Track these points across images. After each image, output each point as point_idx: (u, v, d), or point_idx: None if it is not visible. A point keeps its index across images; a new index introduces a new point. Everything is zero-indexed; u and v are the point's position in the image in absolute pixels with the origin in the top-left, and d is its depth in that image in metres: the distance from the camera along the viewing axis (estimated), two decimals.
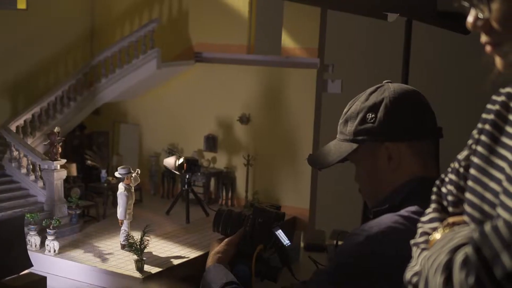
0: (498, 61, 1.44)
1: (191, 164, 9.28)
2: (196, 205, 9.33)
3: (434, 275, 1.45)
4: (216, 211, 4.42)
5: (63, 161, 8.25)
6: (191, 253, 6.43)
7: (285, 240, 4.08)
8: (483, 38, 1.46)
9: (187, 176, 8.56)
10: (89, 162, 10.56)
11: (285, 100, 11.29)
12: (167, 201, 10.56)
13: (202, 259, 3.52)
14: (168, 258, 6.31)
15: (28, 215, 7.26)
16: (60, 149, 8.44)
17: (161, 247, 6.98)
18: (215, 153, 13.26)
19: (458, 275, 1.34)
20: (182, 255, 6.35)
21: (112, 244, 7.16)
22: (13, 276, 5.08)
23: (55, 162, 8.20)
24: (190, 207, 9.04)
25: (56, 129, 8.65)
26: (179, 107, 13.55)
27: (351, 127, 3.26)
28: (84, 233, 8.09)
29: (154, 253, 6.62)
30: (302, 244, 8.11)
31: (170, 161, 9.46)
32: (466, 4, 1.49)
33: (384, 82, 3.27)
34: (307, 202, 9.79)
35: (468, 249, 1.35)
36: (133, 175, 6.90)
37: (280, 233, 4.07)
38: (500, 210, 1.46)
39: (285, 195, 11.51)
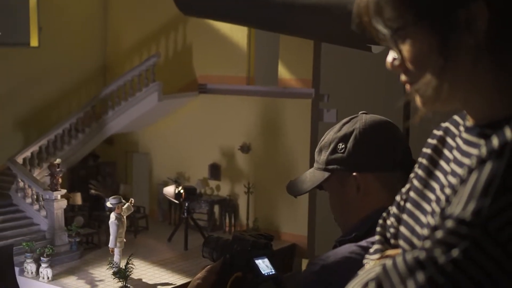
0: (417, 99, 1.46)
1: (189, 193, 9.35)
2: (198, 232, 9.37)
3: None
4: (205, 238, 4.43)
5: (63, 191, 8.37)
6: (180, 280, 6.45)
7: (265, 270, 4.01)
8: (402, 78, 1.49)
9: (186, 204, 8.62)
10: (92, 191, 10.67)
11: (283, 129, 11.31)
12: (174, 228, 10.59)
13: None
14: (156, 285, 6.33)
15: (24, 244, 7.36)
16: (60, 180, 8.55)
17: (152, 274, 7.02)
18: (219, 181, 13.30)
19: None
20: (170, 282, 6.37)
21: (106, 271, 7.21)
22: None
23: (55, 193, 8.31)
24: (192, 234, 9.08)
25: (57, 161, 8.77)
26: (185, 137, 13.65)
27: (324, 156, 3.28)
28: (83, 260, 8.16)
29: (144, 279, 6.66)
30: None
31: (169, 190, 9.54)
32: (385, 45, 1.52)
33: (359, 113, 3.30)
34: (305, 229, 9.78)
35: (371, 284, 1.35)
36: (126, 204, 6.97)
37: (260, 262, 4.01)
38: (423, 243, 1.47)
39: (284, 222, 11.44)
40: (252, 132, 10.98)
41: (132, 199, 7.56)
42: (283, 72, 10.16)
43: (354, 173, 3.13)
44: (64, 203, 8.16)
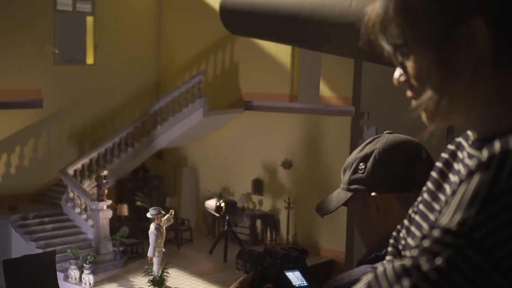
0: (422, 114, 1.44)
1: (229, 207, 9.49)
2: (239, 245, 9.47)
3: None
4: (239, 250, 4.53)
5: (109, 201, 8.61)
6: None
7: (296, 282, 4.08)
8: (408, 93, 1.48)
9: (226, 217, 8.75)
10: (138, 203, 10.90)
11: (324, 146, 11.38)
12: (220, 241, 10.69)
13: None
14: None
15: (69, 250, 7.62)
16: (106, 191, 8.80)
17: (189, 284, 7.15)
18: (261, 196, 13.45)
19: None
20: None
21: (145, 279, 7.36)
22: None
23: (101, 203, 8.56)
24: (233, 247, 9.20)
25: (104, 173, 9.04)
26: (231, 152, 13.84)
27: (347, 176, 3.30)
28: (126, 268, 8.34)
29: None
30: None
31: (211, 203, 9.70)
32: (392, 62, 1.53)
33: (384, 132, 3.32)
34: (344, 245, 9.78)
35: None
36: (166, 216, 7.14)
37: (291, 275, 4.07)
38: (412, 251, 1.45)
39: (323, 237, 11.49)
40: (294, 148, 11.07)
41: (172, 210, 7.72)
42: (324, 90, 10.24)
43: (373, 194, 3.10)
44: (109, 213, 8.40)
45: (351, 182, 3.28)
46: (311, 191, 10.11)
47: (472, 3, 1.23)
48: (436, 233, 1.16)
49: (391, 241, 1.94)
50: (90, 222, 9.52)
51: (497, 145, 1.20)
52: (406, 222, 1.80)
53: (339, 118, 9.61)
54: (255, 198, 11.83)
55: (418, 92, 1.35)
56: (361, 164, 3.21)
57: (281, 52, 11.16)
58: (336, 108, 9.61)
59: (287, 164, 10.82)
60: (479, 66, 1.24)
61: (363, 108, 9.69)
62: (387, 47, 1.39)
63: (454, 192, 1.21)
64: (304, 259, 4.26)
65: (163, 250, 7.50)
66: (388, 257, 1.88)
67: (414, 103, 1.43)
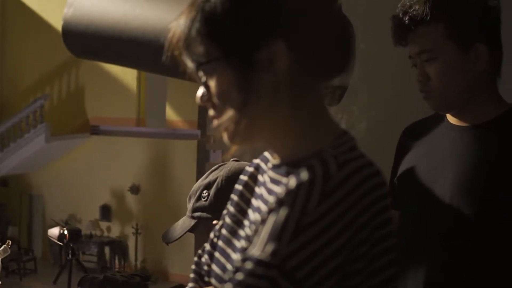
0: (224, 134, 1.41)
1: (73, 234, 9.21)
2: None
3: None
4: (80, 278, 4.36)
5: None
6: None
7: None
8: (210, 112, 1.46)
9: (71, 246, 8.43)
10: None
11: (171, 170, 11.36)
12: (64, 270, 10.32)
13: None
14: None
15: None
16: None
17: None
18: (110, 223, 13.18)
19: None
20: None
21: None
22: None
23: None
24: (79, 276, 8.86)
25: None
26: (78, 178, 13.47)
27: (191, 203, 3.29)
28: None
29: None
30: None
31: (54, 232, 9.34)
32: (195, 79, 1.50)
33: (231, 159, 3.31)
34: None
35: None
36: (2, 247, 6.77)
37: None
38: (226, 285, 1.34)
39: (172, 262, 11.42)
40: (142, 173, 10.98)
41: (9, 241, 7.33)
42: (171, 113, 10.28)
43: (215, 222, 3.10)
44: None
45: (195, 209, 3.31)
46: (160, 215, 10.08)
47: (272, 27, 1.27)
48: (249, 265, 1.18)
49: (193, 266, 1.95)
50: None
51: (304, 174, 1.20)
52: (208, 247, 1.82)
53: (186, 142, 9.69)
54: (103, 224, 11.61)
55: (220, 111, 1.35)
56: (204, 191, 3.23)
57: (127, 75, 11.09)
58: (183, 132, 9.67)
59: (134, 189, 10.72)
60: (278, 90, 1.28)
61: (208, 132, 9.84)
62: (190, 64, 1.35)
63: (264, 221, 1.23)
64: (146, 285, 4.24)
65: None
66: (190, 284, 1.88)
67: (215, 122, 1.45)
